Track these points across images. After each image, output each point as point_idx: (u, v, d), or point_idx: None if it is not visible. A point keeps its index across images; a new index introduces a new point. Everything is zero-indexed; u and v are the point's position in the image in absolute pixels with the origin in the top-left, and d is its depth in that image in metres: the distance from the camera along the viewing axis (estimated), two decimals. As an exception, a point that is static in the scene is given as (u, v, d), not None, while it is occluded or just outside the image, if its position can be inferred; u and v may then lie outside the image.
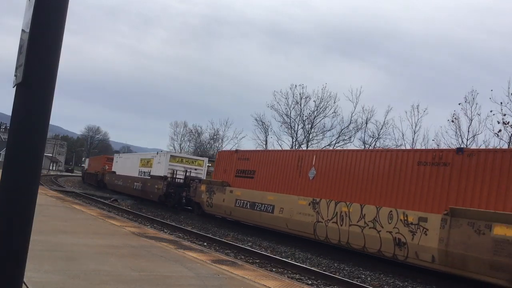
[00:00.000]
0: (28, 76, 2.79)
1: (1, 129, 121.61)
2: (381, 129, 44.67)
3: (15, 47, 3.16)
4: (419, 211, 14.43)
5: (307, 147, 48.59)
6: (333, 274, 13.22)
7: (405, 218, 14.73)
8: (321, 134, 50.31)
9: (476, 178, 13.28)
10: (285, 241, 19.40)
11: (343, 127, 48.14)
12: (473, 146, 35.45)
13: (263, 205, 21.29)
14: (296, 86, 50.57)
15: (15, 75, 2.99)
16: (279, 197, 20.51)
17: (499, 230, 11.96)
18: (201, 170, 34.94)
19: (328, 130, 49.49)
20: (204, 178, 32.43)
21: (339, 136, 48.61)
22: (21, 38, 3.02)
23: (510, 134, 32.46)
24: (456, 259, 12.93)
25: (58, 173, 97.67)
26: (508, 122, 31.71)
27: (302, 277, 12.44)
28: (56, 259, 8.16)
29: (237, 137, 64.18)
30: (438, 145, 35.62)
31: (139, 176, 39.40)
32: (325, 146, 48.09)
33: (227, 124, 70.31)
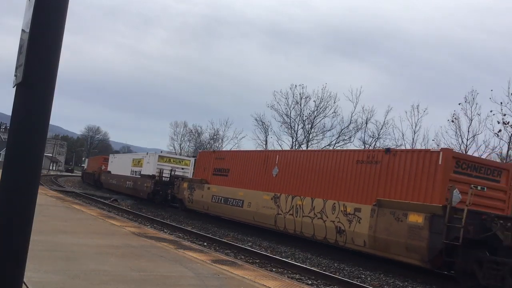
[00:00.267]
0: (28, 76, 2.79)
1: (1, 129, 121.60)
2: (381, 129, 44.70)
3: (15, 47, 3.16)
4: (355, 202, 16.43)
5: (307, 147, 48.58)
6: (333, 274, 13.23)
7: (345, 209, 16.75)
8: (321, 134, 50.34)
9: (398, 174, 15.41)
10: (285, 241, 19.42)
11: (343, 127, 48.17)
12: (473, 146, 35.56)
13: (235, 200, 23.18)
14: (296, 86, 50.54)
15: (15, 75, 2.99)
16: (247, 193, 22.39)
17: (413, 218, 13.85)
18: (187, 169, 36.98)
19: (328, 130, 49.53)
20: (191, 177, 33.79)
21: (339, 136, 48.65)
22: (21, 38, 3.02)
23: (510, 134, 32.55)
24: (381, 243, 14.87)
25: (58, 173, 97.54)
26: (508, 122, 31.78)
27: (302, 277, 12.44)
28: (56, 259, 8.17)
29: (237, 137, 64.17)
30: (438, 145, 35.64)
31: (131, 175, 41.11)
32: (325, 146, 48.12)
33: (227, 124, 69.77)
